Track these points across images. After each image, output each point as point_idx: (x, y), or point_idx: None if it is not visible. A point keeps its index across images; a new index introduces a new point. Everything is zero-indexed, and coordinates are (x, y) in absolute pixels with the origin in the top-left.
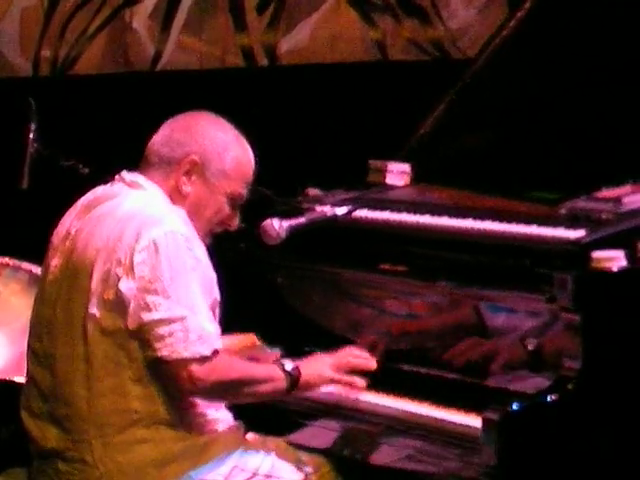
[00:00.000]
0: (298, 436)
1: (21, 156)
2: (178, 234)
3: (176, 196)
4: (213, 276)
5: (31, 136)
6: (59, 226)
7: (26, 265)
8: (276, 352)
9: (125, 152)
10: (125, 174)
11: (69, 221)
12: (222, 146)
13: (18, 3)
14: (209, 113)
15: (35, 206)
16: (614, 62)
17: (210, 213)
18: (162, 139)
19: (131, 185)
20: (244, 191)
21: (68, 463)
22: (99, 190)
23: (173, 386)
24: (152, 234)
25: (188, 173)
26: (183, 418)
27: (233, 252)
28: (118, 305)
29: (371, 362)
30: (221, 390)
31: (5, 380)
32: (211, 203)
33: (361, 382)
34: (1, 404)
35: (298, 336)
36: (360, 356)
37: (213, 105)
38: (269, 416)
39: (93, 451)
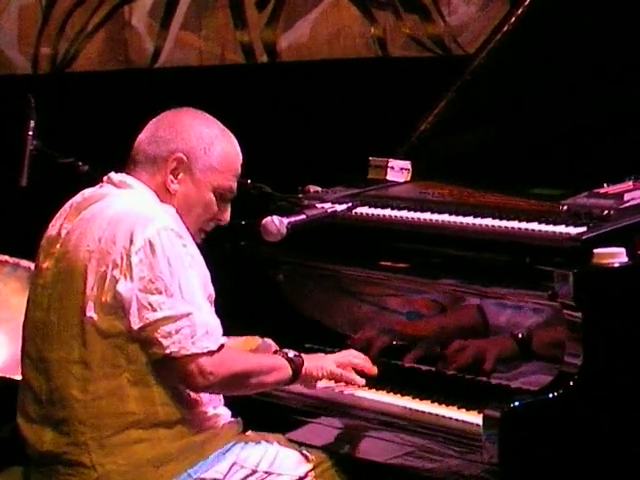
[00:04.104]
0: (298, 434)
1: (20, 153)
2: (170, 231)
3: (164, 194)
4: (207, 272)
5: (30, 133)
6: (49, 229)
7: (25, 263)
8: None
9: (124, 149)
10: (113, 175)
11: (59, 223)
12: (208, 141)
13: (16, 0)
14: (193, 109)
15: (34, 204)
16: (615, 59)
17: (199, 210)
18: (147, 138)
19: (119, 185)
20: (233, 184)
21: (65, 466)
22: (87, 192)
23: (183, 383)
24: (146, 233)
25: (175, 171)
26: (182, 417)
27: (234, 249)
28: (117, 307)
29: (373, 367)
30: (230, 382)
31: (5, 378)
32: (200, 200)
33: (360, 380)
34: (2, 402)
35: (299, 333)
36: (362, 358)
37: (212, 102)
38: (268, 414)
39: (90, 453)
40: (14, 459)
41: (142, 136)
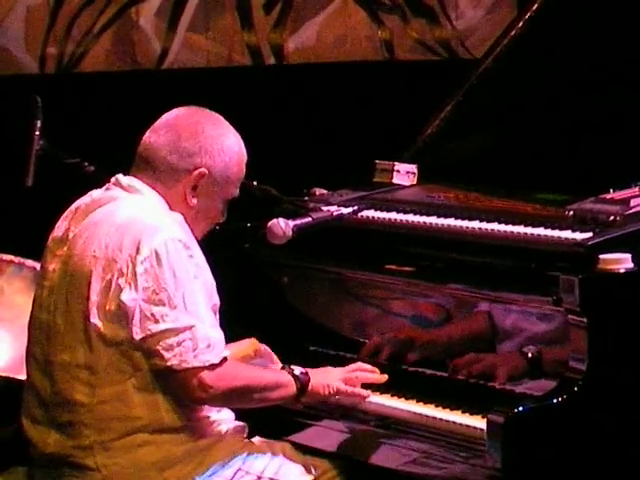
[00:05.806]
0: (302, 437)
1: (26, 153)
2: (178, 242)
3: (180, 204)
4: (212, 281)
5: (36, 134)
6: (55, 229)
7: (30, 263)
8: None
9: (130, 150)
10: (121, 177)
11: (65, 225)
12: (229, 155)
13: (24, 0)
14: (209, 114)
15: (40, 204)
16: (623, 63)
17: (210, 220)
18: (168, 145)
19: (128, 190)
20: (237, 190)
21: (70, 468)
22: (95, 194)
23: (183, 395)
24: (153, 243)
25: (196, 184)
26: (187, 423)
27: (238, 252)
28: (120, 316)
29: (382, 378)
30: (232, 397)
31: (9, 378)
32: (212, 209)
33: (367, 393)
34: (5, 402)
35: (303, 336)
36: (369, 370)
37: (219, 104)
38: (273, 417)
39: (95, 455)
40: (17, 459)
41: (161, 141)
